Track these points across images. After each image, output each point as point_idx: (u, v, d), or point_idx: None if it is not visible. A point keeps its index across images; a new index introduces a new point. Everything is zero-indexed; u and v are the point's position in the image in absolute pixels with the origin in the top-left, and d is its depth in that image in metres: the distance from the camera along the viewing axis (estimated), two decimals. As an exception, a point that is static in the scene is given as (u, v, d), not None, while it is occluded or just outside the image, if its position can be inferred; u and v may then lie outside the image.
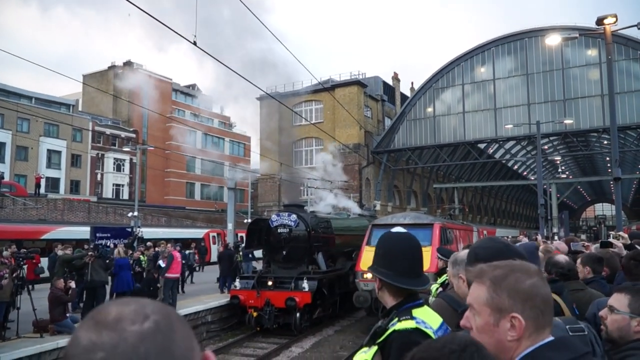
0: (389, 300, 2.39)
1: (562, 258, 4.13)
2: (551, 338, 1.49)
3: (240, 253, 20.71)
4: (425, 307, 2.36)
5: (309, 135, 49.51)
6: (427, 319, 2.25)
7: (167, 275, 16.02)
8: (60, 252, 15.20)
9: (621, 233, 6.64)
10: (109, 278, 14.89)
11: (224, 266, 19.50)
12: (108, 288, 14.86)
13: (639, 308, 2.37)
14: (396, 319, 2.26)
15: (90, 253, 14.31)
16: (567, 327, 1.97)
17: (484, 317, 1.52)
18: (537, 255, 3.25)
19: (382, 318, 2.38)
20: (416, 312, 2.27)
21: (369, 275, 14.71)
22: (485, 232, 33.80)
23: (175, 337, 0.75)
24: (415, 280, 2.35)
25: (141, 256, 16.51)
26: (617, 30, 15.79)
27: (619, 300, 2.45)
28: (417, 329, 2.16)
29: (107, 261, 14.72)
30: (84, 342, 0.72)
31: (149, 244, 19.42)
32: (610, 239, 5.66)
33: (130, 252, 16.87)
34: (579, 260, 4.67)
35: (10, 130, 48.98)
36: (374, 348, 2.25)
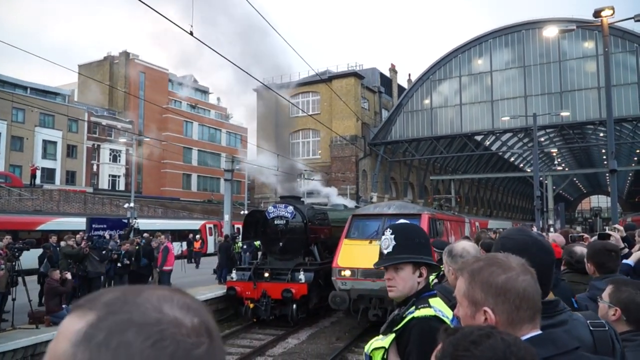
0: (417, 286, 2.42)
1: (578, 249, 4.15)
2: (535, 333, 1.48)
3: (239, 244, 20.71)
4: (439, 297, 2.38)
5: (305, 127, 49.45)
6: (443, 308, 2.29)
7: (163, 268, 16.11)
8: (62, 244, 15.12)
9: (616, 226, 6.66)
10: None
11: (222, 257, 19.59)
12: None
13: (616, 298, 2.51)
14: (413, 307, 2.29)
15: (82, 244, 14.28)
16: (589, 322, 1.95)
17: (464, 309, 1.54)
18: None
19: (399, 307, 2.39)
20: (432, 301, 2.31)
21: (347, 273, 13.87)
22: (477, 223, 33.56)
23: None
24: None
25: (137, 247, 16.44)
26: (614, 22, 15.77)
27: (606, 291, 2.60)
28: (435, 317, 2.20)
29: (104, 252, 14.71)
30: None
31: (145, 235, 19.40)
32: (609, 231, 5.68)
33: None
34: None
35: (5, 120, 48.76)
36: (391, 335, 2.28)
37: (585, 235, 6.99)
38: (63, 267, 13.41)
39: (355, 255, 13.90)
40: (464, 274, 1.55)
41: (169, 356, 0.63)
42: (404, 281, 2.37)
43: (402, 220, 2.65)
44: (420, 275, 2.38)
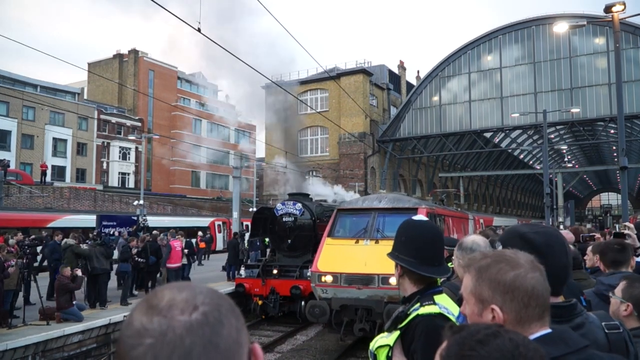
0: (409, 288, 2.41)
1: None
2: (545, 332, 1.45)
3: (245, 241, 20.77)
4: (444, 294, 2.38)
5: (314, 124, 49.45)
6: (448, 305, 2.29)
7: (168, 265, 16.20)
8: (72, 241, 15.19)
9: (627, 224, 6.60)
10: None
11: (231, 254, 19.74)
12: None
13: (628, 294, 2.53)
14: (418, 304, 2.28)
15: (87, 241, 14.33)
16: (603, 324, 1.92)
17: (470, 306, 1.51)
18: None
19: (403, 304, 2.40)
20: (437, 298, 2.31)
21: (328, 279, 11.90)
22: (481, 220, 33.11)
23: (221, 331, 0.76)
24: (438, 268, 2.39)
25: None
26: (625, 18, 15.65)
27: (619, 286, 2.62)
28: (440, 314, 2.20)
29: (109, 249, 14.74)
30: (136, 325, 0.75)
31: (155, 232, 19.49)
32: (626, 231, 5.64)
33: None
34: (589, 249, 4.67)
35: (15, 118, 49.07)
36: (396, 333, 2.28)
37: (597, 235, 6.89)
38: (67, 263, 13.38)
39: (339, 257, 12.22)
40: (471, 270, 1.51)
41: None
42: (399, 274, 2.46)
43: (419, 217, 2.61)
44: (398, 272, 2.44)
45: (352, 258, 11.96)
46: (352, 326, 11.64)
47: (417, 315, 2.23)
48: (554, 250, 1.70)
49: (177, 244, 16.90)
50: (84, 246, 14.54)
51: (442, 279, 4.17)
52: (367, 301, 11.38)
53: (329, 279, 11.84)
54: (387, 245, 12.12)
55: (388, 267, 10.72)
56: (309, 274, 15.08)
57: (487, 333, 1.07)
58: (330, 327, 12.26)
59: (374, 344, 2.38)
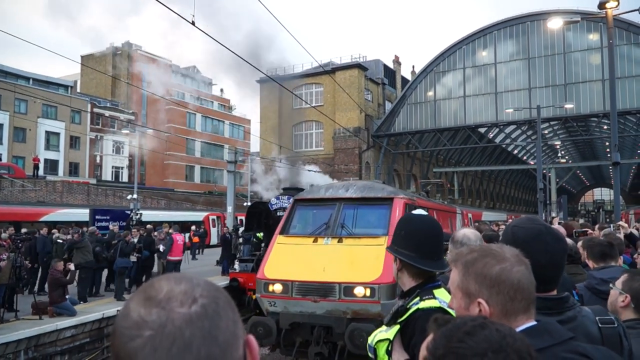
0: (407, 282, 2.42)
1: (569, 241, 4.16)
2: (530, 324, 1.47)
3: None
4: (443, 288, 2.38)
5: (309, 119, 49.36)
6: (447, 299, 2.29)
7: (168, 258, 16.27)
8: (64, 236, 15.15)
9: (621, 223, 6.68)
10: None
11: (222, 248, 19.86)
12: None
13: (628, 286, 2.58)
14: (418, 298, 2.30)
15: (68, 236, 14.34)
16: (597, 318, 1.93)
17: (457, 300, 1.54)
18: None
19: (402, 298, 2.41)
20: (437, 292, 2.32)
21: (277, 288, 9.36)
22: (470, 215, 32.90)
23: (220, 323, 0.76)
24: (437, 262, 2.40)
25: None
26: (619, 14, 15.70)
27: (620, 279, 2.69)
28: (440, 308, 2.20)
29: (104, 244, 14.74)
30: (134, 317, 0.74)
31: (149, 226, 19.44)
32: (620, 230, 5.73)
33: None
34: (579, 243, 4.71)
35: (7, 111, 48.70)
36: (396, 327, 2.29)
37: (589, 231, 6.94)
38: (57, 257, 13.33)
39: (291, 260, 9.80)
40: (458, 265, 1.54)
41: None
42: (398, 268, 2.47)
43: (419, 211, 2.64)
44: (397, 266, 2.45)
45: (307, 262, 9.61)
46: (307, 348, 9.17)
47: (418, 309, 2.24)
48: (531, 247, 1.71)
49: (179, 237, 17.09)
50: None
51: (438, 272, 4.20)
52: (325, 317, 9.03)
53: (277, 288, 9.35)
54: (353, 245, 9.92)
55: (352, 273, 9.05)
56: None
57: (474, 325, 1.09)
58: (279, 345, 9.47)
59: (373, 338, 2.38)
